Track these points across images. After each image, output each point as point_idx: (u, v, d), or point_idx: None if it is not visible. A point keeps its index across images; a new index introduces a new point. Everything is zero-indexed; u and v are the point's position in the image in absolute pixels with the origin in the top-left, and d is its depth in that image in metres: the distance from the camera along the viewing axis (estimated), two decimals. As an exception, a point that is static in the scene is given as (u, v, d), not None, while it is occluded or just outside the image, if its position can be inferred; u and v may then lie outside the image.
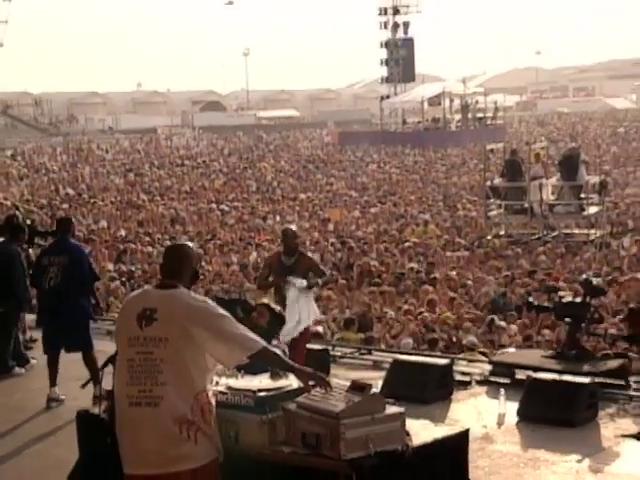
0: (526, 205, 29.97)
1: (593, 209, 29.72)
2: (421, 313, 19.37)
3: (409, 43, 68.16)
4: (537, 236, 28.79)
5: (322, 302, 20.20)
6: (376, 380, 11.30)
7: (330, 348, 14.40)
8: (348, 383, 5.18)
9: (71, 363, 11.93)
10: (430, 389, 11.01)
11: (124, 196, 37.70)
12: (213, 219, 32.26)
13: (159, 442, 4.78)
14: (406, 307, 20.04)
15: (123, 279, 23.00)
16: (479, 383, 11.67)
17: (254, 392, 5.20)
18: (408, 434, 5.24)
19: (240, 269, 24.41)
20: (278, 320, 7.31)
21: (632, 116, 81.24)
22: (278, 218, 32.61)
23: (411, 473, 5.21)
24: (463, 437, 5.86)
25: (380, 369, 12.37)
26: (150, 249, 27.31)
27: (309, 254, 10.55)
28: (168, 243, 26.82)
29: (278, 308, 7.64)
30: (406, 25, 66.82)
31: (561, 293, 12.77)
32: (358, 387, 5.10)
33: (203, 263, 25.23)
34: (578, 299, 12.10)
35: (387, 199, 36.09)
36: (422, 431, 5.53)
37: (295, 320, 10.10)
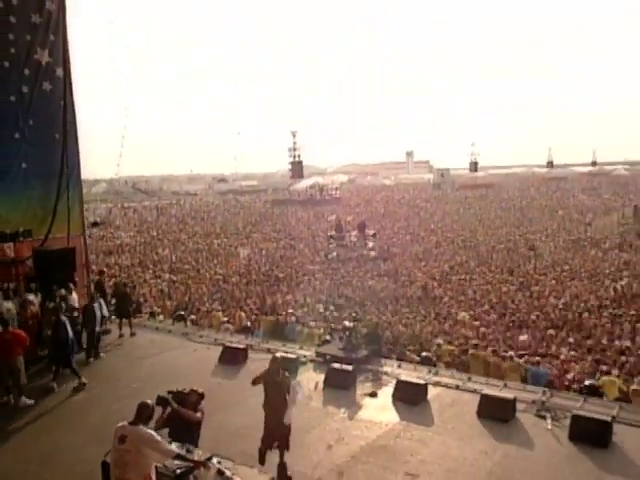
0: (344, 243, 29.86)
1: (371, 244, 29.60)
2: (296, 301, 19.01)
3: (300, 164, 66.82)
4: (349, 257, 28.07)
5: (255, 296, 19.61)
6: (265, 360, 10.90)
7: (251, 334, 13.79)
8: (218, 466, 4.81)
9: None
10: (293, 367, 10.32)
11: (176, 236, 36.11)
12: (214, 248, 31.15)
13: None
14: (290, 297, 19.65)
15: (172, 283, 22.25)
16: (310, 362, 11.06)
17: (174, 470, 4.83)
18: None
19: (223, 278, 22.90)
20: (201, 397, 6.28)
21: (391, 189, 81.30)
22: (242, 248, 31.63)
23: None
24: None
25: (272, 353, 10.74)
26: (187, 267, 25.62)
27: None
28: (194, 265, 26.02)
29: (201, 390, 6.34)
30: (299, 155, 66.17)
31: (345, 322, 11.65)
32: (220, 472, 4.74)
33: (211, 267, 24.54)
34: (351, 324, 11.25)
35: (287, 237, 35.20)
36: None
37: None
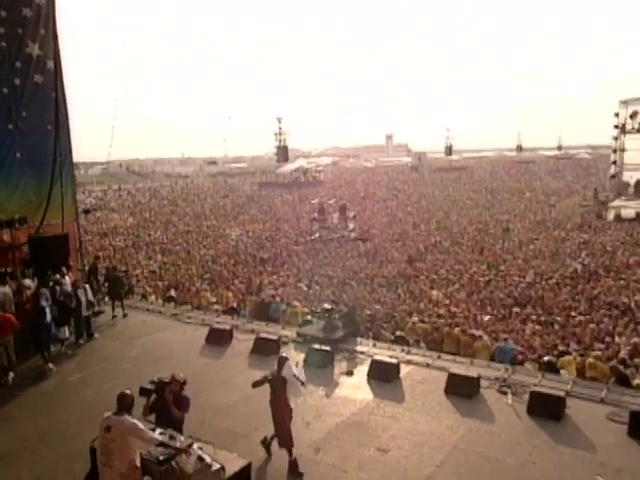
0: (326, 225, 29.52)
1: (351, 225, 29.29)
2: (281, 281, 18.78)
3: (285, 148, 65.74)
4: (330, 237, 27.75)
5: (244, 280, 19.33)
6: (249, 341, 10.88)
7: (237, 314, 13.73)
8: (199, 452, 4.78)
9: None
10: (274, 348, 10.44)
11: (168, 218, 35.43)
12: (203, 230, 30.73)
13: None
14: (275, 277, 19.48)
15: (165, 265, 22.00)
16: (292, 342, 11.02)
17: (157, 457, 4.78)
18: (224, 468, 4.85)
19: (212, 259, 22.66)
20: (183, 384, 5.86)
21: (372, 171, 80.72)
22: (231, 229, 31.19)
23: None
24: (248, 466, 5.21)
25: (256, 333, 11.23)
26: (178, 248, 25.03)
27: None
28: (185, 246, 25.64)
29: (182, 377, 5.84)
30: (285, 140, 65.18)
31: (326, 305, 11.63)
32: (200, 458, 4.72)
33: (200, 248, 24.24)
34: (329, 306, 11.32)
35: (273, 219, 34.80)
36: (231, 465, 4.99)
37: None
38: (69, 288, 11.51)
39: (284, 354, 7.10)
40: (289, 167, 62.14)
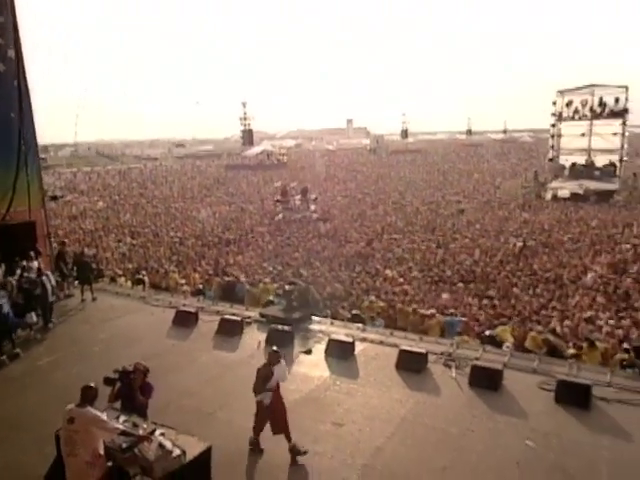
0: (289, 206, 29.17)
1: (312, 207, 28.89)
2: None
3: (250, 132, 64.48)
4: (293, 218, 27.41)
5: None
6: (214, 322, 10.67)
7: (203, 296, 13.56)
8: (160, 439, 4.75)
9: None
10: (239, 328, 10.43)
11: (137, 200, 34.30)
12: (171, 212, 29.89)
13: (78, 473, 4.46)
14: (240, 258, 19.24)
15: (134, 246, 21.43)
16: (255, 322, 10.88)
17: (121, 444, 4.71)
18: (185, 452, 4.82)
19: (180, 240, 22.07)
20: (146, 371, 5.69)
21: (333, 153, 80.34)
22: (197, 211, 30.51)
23: (186, 473, 4.78)
24: (208, 450, 5.10)
25: (220, 314, 10.98)
26: (147, 230, 24.20)
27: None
28: (153, 228, 24.99)
29: (145, 365, 5.69)
30: (249, 124, 64.02)
31: (287, 287, 11.48)
32: (161, 445, 4.68)
33: (169, 231, 23.69)
34: (289, 288, 11.23)
35: (239, 200, 34.17)
36: (192, 449, 4.91)
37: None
38: (34, 275, 11.11)
39: (275, 348, 6.71)
40: (254, 150, 61.14)
